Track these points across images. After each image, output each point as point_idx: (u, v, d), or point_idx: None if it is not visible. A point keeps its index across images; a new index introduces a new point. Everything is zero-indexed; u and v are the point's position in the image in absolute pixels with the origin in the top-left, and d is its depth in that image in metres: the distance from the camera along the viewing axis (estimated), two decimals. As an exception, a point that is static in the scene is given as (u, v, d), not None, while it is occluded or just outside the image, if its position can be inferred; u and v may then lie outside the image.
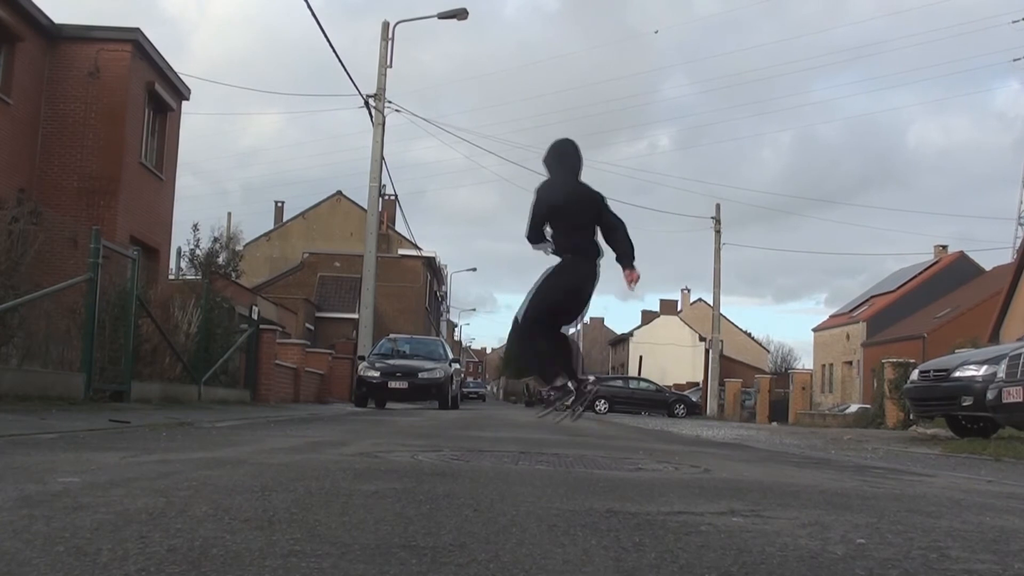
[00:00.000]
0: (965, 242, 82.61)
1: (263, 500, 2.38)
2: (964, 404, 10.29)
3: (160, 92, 18.96)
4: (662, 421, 21.55)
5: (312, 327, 38.88)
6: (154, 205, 19.39)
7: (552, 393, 6.82)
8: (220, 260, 27.59)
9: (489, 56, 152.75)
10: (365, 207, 23.89)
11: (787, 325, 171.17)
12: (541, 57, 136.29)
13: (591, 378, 7.03)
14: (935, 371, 11.29)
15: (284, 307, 34.34)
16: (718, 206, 37.79)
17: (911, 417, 15.02)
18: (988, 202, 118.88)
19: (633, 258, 6.74)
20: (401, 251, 46.56)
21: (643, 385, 36.92)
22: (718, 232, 37.25)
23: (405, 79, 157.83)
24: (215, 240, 28.08)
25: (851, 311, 48.16)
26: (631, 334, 72.95)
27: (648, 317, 75.19)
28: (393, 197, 29.35)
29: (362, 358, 19.57)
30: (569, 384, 6.81)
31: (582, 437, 7.43)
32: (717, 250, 37.28)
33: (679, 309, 76.89)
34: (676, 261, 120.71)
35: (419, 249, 46.93)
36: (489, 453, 4.57)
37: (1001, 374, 9.13)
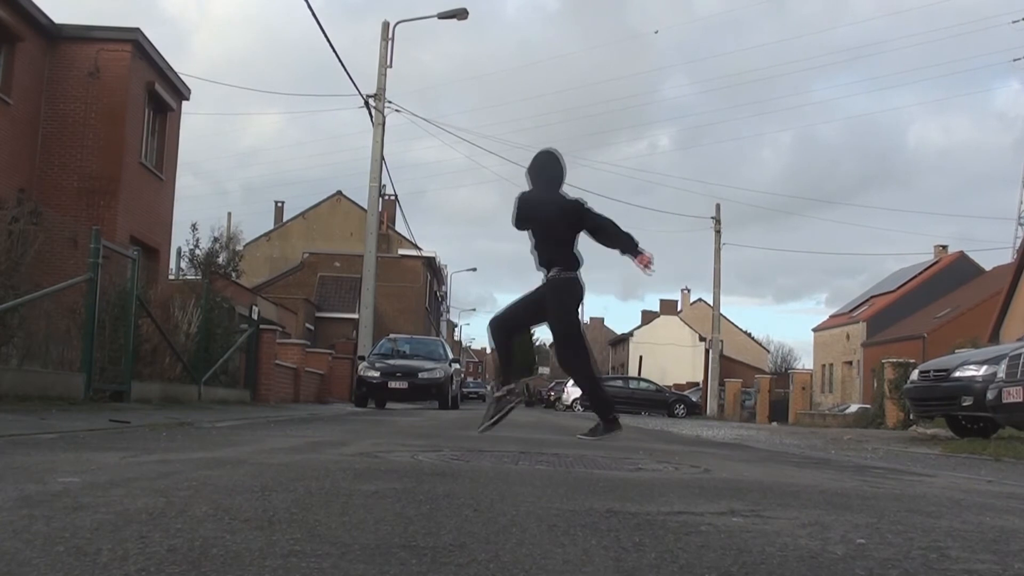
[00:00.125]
0: (965, 242, 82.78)
1: (263, 500, 2.38)
2: (964, 404, 10.29)
3: (160, 92, 18.96)
4: (662, 421, 21.55)
5: (312, 327, 38.90)
6: (154, 205, 19.40)
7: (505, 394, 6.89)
8: (220, 260, 27.57)
9: (489, 56, 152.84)
10: (365, 207, 23.89)
11: (787, 325, 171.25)
12: (541, 57, 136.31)
13: (513, 387, 7.05)
14: (935, 371, 11.29)
15: (284, 307, 34.35)
16: (718, 206, 37.85)
17: (911, 417, 15.02)
18: (988, 202, 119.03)
19: (636, 243, 6.81)
20: (401, 251, 46.57)
21: (643, 385, 36.95)
22: (718, 232, 37.27)
23: (405, 79, 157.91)
24: (215, 240, 28.08)
25: (851, 311, 48.17)
26: (631, 334, 72.96)
27: (648, 317, 75.20)
28: (393, 197, 29.37)
29: (362, 358, 19.57)
30: (515, 389, 6.99)
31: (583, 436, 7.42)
32: (717, 250, 37.31)
33: (679, 309, 76.88)
34: (676, 261, 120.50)
35: (419, 249, 46.94)
36: (489, 453, 4.57)
37: (1001, 374, 9.13)
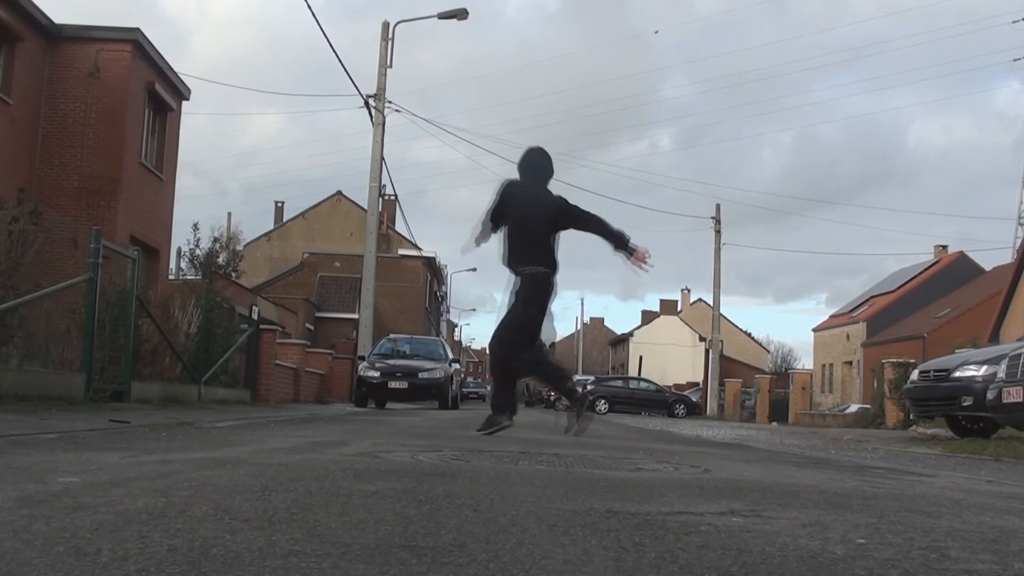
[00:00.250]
0: (965, 242, 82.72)
1: (263, 500, 2.38)
2: (964, 404, 10.30)
3: (160, 92, 18.97)
4: (662, 421, 21.55)
5: (312, 327, 38.91)
6: (154, 205, 19.41)
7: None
8: (220, 260, 27.60)
9: (489, 56, 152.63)
10: (365, 207, 23.90)
11: (787, 325, 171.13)
12: (541, 57, 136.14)
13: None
14: (935, 371, 11.30)
15: (284, 307, 34.35)
16: (718, 206, 37.88)
17: (911, 417, 15.02)
18: (988, 202, 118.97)
19: (627, 239, 6.68)
20: (401, 251, 46.58)
21: (643, 385, 36.96)
22: (718, 232, 37.28)
23: (405, 79, 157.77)
24: (215, 240, 28.12)
25: (851, 311, 48.18)
26: (631, 334, 73.00)
27: (648, 317, 75.25)
28: (393, 197, 29.38)
29: (362, 358, 19.57)
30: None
31: (582, 437, 7.43)
32: (717, 250, 37.32)
33: (679, 309, 76.92)
34: (676, 261, 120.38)
35: (419, 249, 46.95)
36: (489, 453, 4.57)
37: (1001, 374, 9.13)
